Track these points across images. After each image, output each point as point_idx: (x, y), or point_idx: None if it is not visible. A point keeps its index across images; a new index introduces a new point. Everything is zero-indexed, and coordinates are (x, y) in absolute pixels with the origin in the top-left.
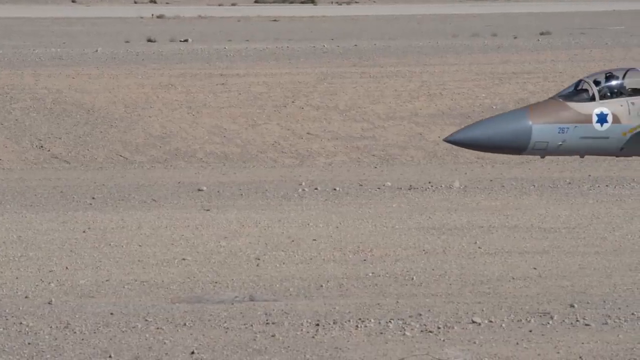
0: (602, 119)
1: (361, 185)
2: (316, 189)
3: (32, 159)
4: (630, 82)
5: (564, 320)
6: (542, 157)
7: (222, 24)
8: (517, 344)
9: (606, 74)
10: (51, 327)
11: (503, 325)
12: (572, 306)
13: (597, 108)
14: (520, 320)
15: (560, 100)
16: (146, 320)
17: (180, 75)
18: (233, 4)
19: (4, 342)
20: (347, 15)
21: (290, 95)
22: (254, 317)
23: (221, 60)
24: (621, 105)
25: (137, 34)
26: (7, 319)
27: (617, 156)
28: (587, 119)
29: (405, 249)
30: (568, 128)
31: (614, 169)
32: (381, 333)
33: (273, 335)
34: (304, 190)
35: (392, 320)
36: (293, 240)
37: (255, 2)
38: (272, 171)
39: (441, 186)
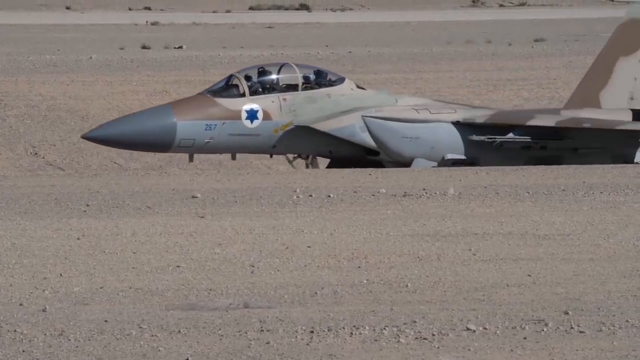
0: (252, 115)
1: (355, 192)
2: (310, 195)
3: (27, 165)
4: (283, 78)
5: (558, 327)
6: (190, 156)
7: (217, 31)
8: (512, 350)
9: (259, 69)
10: (45, 334)
11: (497, 332)
12: (566, 313)
13: (247, 104)
14: (515, 327)
15: (208, 95)
16: (140, 327)
17: (174, 82)
18: (227, 11)
19: None
20: (341, 22)
21: None
22: (248, 324)
23: (216, 67)
24: (272, 102)
25: (131, 40)
26: (1, 327)
27: (270, 154)
28: (236, 116)
29: (399, 255)
30: (216, 125)
31: (609, 175)
32: (376, 340)
33: (267, 343)
34: (298, 197)
35: (386, 327)
36: (287, 247)
37: (250, 8)
38: (267, 178)
39: (435, 193)
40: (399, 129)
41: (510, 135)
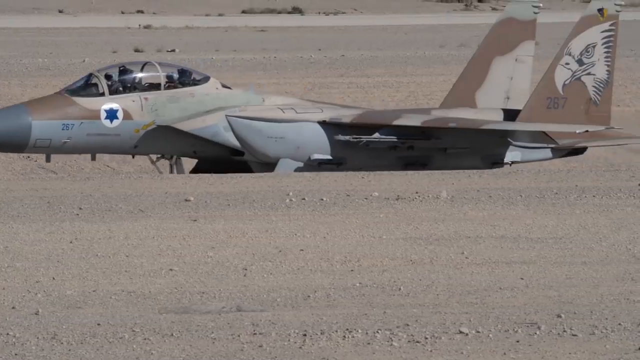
0: (111, 115)
1: (348, 195)
2: (303, 199)
3: (19, 169)
4: (145, 77)
5: (551, 331)
6: (47, 156)
7: (210, 34)
8: (505, 354)
9: (120, 67)
10: (38, 337)
11: (490, 335)
12: (559, 316)
13: (106, 104)
14: (508, 330)
15: (66, 95)
16: (133, 330)
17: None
18: (220, 14)
19: None
20: (334, 26)
21: None
22: (241, 327)
23: (208, 71)
24: (133, 101)
25: (124, 44)
26: None
27: (132, 155)
28: (95, 115)
29: (392, 259)
30: (73, 124)
31: (601, 179)
32: (368, 343)
33: (260, 346)
34: (291, 200)
35: (379, 331)
36: (280, 251)
37: (243, 12)
38: (260, 181)
39: (428, 196)
40: (264, 128)
41: (377, 135)
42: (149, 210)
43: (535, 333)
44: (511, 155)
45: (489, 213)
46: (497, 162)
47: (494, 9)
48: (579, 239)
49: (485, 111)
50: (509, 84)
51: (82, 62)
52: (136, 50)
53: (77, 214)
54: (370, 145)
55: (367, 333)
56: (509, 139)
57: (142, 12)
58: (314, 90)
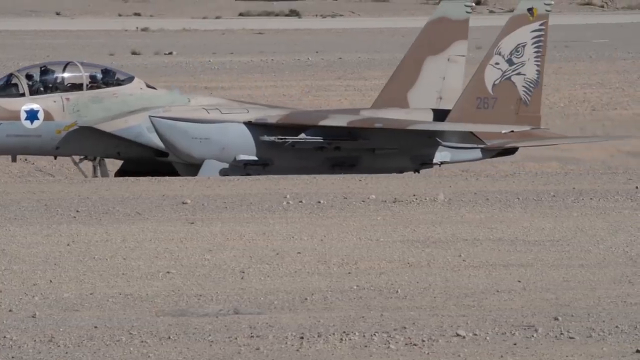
0: (32, 116)
1: (345, 198)
2: (301, 201)
3: (16, 172)
4: (67, 77)
5: (548, 333)
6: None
7: (207, 37)
8: (502, 357)
9: (41, 67)
10: (35, 340)
11: (487, 338)
12: (556, 319)
13: (27, 104)
14: (505, 333)
15: None
16: (130, 333)
17: (165, 88)
18: (217, 17)
19: None
20: (331, 28)
21: None
22: (238, 330)
23: (206, 73)
24: (54, 102)
25: (121, 46)
26: None
27: (54, 155)
28: (15, 116)
29: (389, 261)
30: None
31: (599, 182)
32: (365, 346)
33: (257, 349)
34: (288, 203)
35: (376, 334)
36: (277, 253)
37: (240, 14)
38: (257, 184)
39: (425, 199)
40: (188, 129)
41: (302, 135)
42: (146, 213)
43: (533, 336)
44: (440, 155)
45: (486, 216)
46: (426, 162)
47: (491, 11)
48: (576, 242)
49: (415, 111)
50: (441, 84)
51: None
52: (133, 53)
53: (74, 217)
54: (297, 146)
55: (364, 336)
56: (437, 140)
57: (139, 14)
58: (311, 93)
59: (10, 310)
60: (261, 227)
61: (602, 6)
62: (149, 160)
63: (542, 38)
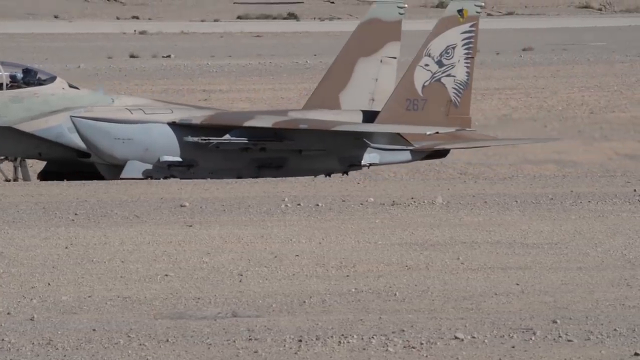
0: None
1: (344, 200)
2: (299, 204)
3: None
4: None
5: (546, 336)
6: None
7: (205, 40)
8: (500, 359)
9: None
10: (33, 343)
11: (486, 341)
12: (554, 322)
13: None
14: (503, 336)
15: None
16: (129, 336)
17: (163, 91)
18: (216, 20)
19: None
20: (329, 31)
21: None
22: (236, 333)
23: (204, 76)
24: None
25: (119, 49)
26: None
27: None
28: None
29: (388, 264)
30: None
31: (597, 184)
32: (364, 349)
33: (256, 352)
34: (286, 206)
35: (375, 337)
36: (276, 256)
37: (238, 17)
38: (255, 187)
39: (424, 202)
40: (111, 129)
41: (227, 136)
42: (144, 216)
43: (531, 339)
44: (369, 157)
45: (484, 218)
46: (354, 164)
47: (489, 14)
48: (574, 245)
49: (345, 113)
50: (374, 85)
51: (78, 67)
52: (131, 56)
53: (73, 220)
54: (221, 147)
55: (362, 339)
56: (366, 141)
57: (137, 17)
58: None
59: (8, 313)
60: (259, 230)
61: (600, 9)
62: (71, 161)
63: (472, 39)
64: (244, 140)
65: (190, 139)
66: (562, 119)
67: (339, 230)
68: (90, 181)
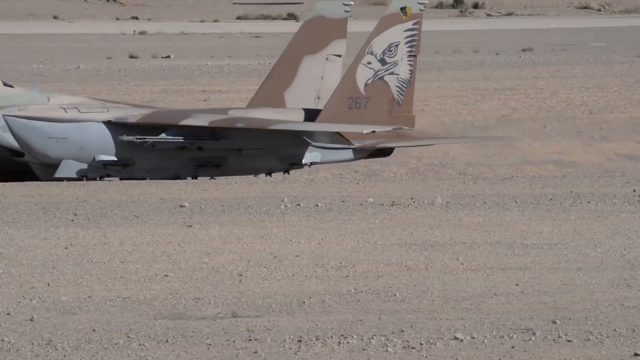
0: None
1: (343, 201)
2: (298, 205)
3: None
4: None
5: (546, 337)
6: None
7: (204, 40)
8: None
9: None
10: (33, 343)
11: (485, 341)
12: (554, 322)
13: None
14: (503, 336)
15: None
16: (128, 336)
17: (162, 92)
18: (215, 20)
19: None
20: None
21: None
22: (236, 333)
23: (203, 77)
24: None
25: (119, 50)
26: None
27: None
28: None
29: (387, 265)
30: None
31: (596, 185)
32: (364, 349)
33: (255, 352)
34: (286, 206)
35: (374, 337)
36: (275, 257)
37: (237, 18)
38: (255, 187)
39: (423, 202)
40: (45, 128)
41: (163, 135)
42: (144, 216)
43: (531, 339)
44: (311, 156)
45: (484, 219)
46: (295, 163)
47: (488, 15)
48: (574, 245)
49: (286, 111)
50: (319, 83)
51: (77, 68)
52: (131, 57)
53: (72, 220)
54: (157, 146)
55: (362, 339)
56: (306, 140)
57: (136, 18)
58: None
59: (8, 314)
60: (259, 231)
61: (600, 10)
62: (5, 161)
63: (415, 37)
64: (179, 139)
65: (125, 137)
66: (561, 120)
67: (338, 230)
68: (90, 181)
